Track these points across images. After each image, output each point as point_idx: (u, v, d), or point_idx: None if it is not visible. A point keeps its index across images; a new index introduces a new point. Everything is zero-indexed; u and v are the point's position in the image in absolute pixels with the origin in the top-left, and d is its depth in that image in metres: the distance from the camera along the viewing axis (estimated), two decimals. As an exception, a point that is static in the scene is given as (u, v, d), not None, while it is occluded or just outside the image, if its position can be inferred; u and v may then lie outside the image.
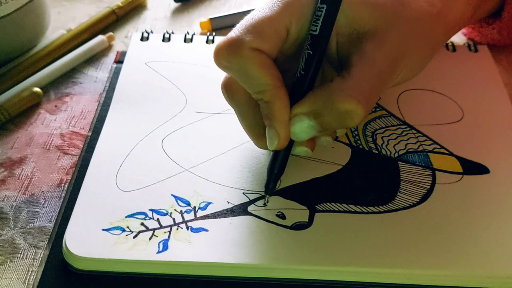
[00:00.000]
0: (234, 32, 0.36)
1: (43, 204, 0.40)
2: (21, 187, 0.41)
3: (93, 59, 0.52)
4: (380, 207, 0.38)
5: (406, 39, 0.36)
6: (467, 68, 0.49)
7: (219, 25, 0.55)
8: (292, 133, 0.36)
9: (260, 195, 0.39)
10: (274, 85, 0.35)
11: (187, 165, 0.41)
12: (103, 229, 0.36)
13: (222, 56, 0.36)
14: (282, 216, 0.38)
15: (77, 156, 0.43)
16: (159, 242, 0.36)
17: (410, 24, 0.37)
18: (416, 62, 0.38)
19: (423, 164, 0.41)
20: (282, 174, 0.37)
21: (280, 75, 0.36)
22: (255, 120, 0.38)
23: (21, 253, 0.37)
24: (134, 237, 0.36)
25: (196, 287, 0.35)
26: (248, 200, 0.38)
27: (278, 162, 0.37)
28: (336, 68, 0.38)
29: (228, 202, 0.38)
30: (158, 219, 0.37)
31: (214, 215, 0.37)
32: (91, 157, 0.41)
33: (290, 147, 0.37)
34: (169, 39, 0.52)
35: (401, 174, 0.41)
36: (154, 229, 0.37)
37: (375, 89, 0.35)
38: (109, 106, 0.45)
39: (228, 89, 0.38)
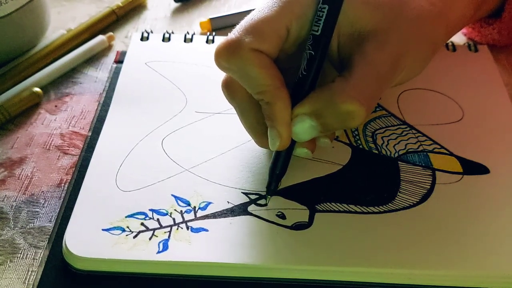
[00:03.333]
0: (233, 33, 0.36)
1: (43, 204, 0.40)
2: (21, 187, 0.41)
3: (93, 59, 0.52)
4: (380, 207, 0.38)
5: (406, 39, 0.36)
6: (467, 68, 0.49)
7: (219, 25, 0.55)
8: (294, 133, 0.35)
9: (260, 195, 0.39)
10: (274, 86, 0.35)
11: (187, 165, 0.41)
12: (103, 229, 0.36)
13: (222, 58, 0.35)
14: (282, 216, 0.37)
15: (77, 156, 0.43)
16: (159, 242, 0.36)
17: (411, 24, 0.37)
18: (417, 62, 0.38)
19: (423, 164, 0.41)
20: (284, 175, 0.38)
21: (281, 76, 0.36)
22: (256, 119, 0.37)
23: (21, 253, 0.37)
24: (134, 237, 0.36)
25: (196, 287, 0.35)
26: (248, 200, 0.38)
27: (280, 162, 0.37)
28: (338, 68, 0.38)
29: (228, 202, 0.38)
30: (158, 219, 0.37)
31: (214, 215, 0.37)
32: (91, 157, 0.41)
33: (292, 147, 0.37)
34: (169, 39, 0.52)
35: (401, 174, 0.40)
36: (154, 229, 0.37)
37: (376, 90, 0.35)
38: (109, 106, 0.45)
39: (229, 88, 0.38)
